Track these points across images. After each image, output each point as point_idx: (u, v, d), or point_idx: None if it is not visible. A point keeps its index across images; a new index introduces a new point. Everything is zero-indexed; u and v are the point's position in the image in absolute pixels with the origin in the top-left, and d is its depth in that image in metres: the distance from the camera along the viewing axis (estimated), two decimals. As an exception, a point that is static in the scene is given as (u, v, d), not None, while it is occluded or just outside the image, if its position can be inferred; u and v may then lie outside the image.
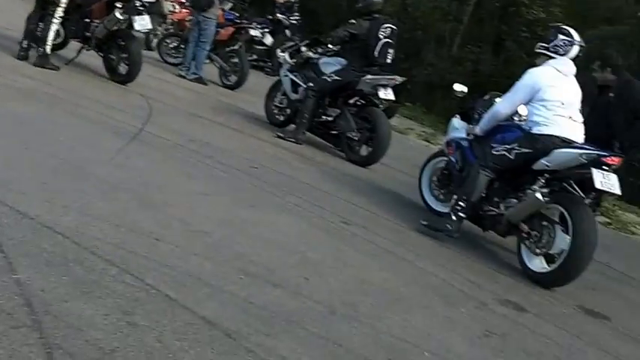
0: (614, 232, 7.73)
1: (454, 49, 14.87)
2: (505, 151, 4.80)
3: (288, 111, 7.44)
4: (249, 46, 12.87)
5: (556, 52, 4.89)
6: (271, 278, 3.35)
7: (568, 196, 4.64)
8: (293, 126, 7.18)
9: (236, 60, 9.77)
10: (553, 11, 14.22)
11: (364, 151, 6.87)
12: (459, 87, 5.91)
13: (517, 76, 14.10)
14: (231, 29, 9.92)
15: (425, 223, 4.98)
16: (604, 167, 4.45)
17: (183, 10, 11.51)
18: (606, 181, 4.43)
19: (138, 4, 7.26)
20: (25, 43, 7.09)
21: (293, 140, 6.93)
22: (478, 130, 5.14)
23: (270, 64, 13.65)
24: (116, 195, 3.92)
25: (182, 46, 10.20)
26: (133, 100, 6.89)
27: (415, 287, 3.86)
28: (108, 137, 5.15)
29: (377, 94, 6.68)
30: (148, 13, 11.66)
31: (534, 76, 4.87)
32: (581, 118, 4.88)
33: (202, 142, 5.88)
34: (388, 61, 6.80)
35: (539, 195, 4.52)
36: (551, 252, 4.50)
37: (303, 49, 7.29)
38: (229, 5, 11.43)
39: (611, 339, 4.04)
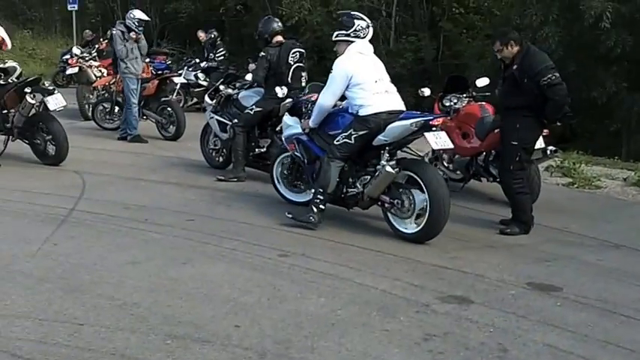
0: (577, 190, 7.80)
1: (391, 44, 15.02)
2: (345, 138, 5.31)
3: (225, 151, 7.53)
4: (187, 91, 13.02)
5: (357, 37, 5.46)
6: (200, 335, 3.42)
7: (411, 160, 5.49)
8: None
9: (170, 110, 9.86)
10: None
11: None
12: (425, 91, 7.26)
13: (462, 54, 14.20)
14: (155, 81, 10.01)
15: (290, 215, 5.46)
16: (433, 129, 5.25)
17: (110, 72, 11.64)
18: (439, 139, 5.33)
19: (47, 83, 7.35)
20: None
21: (234, 180, 7.01)
22: (311, 123, 5.66)
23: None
24: (40, 288, 3.98)
25: (116, 109, 10.29)
26: (66, 179, 6.96)
27: (353, 307, 3.92)
28: (35, 227, 5.22)
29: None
30: (78, 83, 11.85)
31: (344, 65, 5.40)
32: (394, 88, 5.49)
33: (137, 206, 5.94)
34: (303, 84, 6.96)
35: (389, 169, 5.13)
36: (416, 212, 5.16)
37: (221, 87, 7.40)
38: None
39: (560, 311, 4.00)
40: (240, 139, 6.99)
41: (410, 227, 5.23)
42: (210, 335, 3.42)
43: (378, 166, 5.24)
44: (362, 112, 5.28)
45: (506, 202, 6.43)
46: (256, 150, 7.08)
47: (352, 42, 5.44)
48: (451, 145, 5.49)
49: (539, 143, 5.99)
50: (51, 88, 7.44)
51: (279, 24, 7.13)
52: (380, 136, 5.21)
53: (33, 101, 7.19)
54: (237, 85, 7.34)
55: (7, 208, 5.74)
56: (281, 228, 5.47)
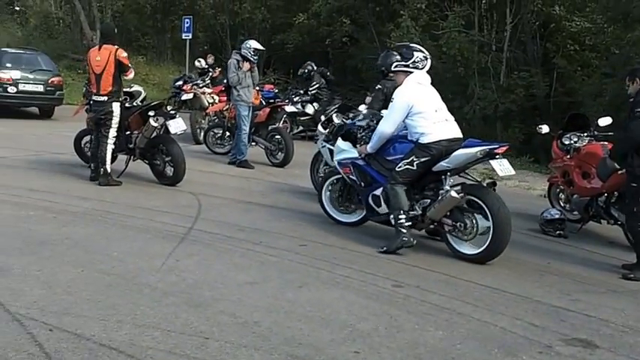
0: None
1: (502, 79, 14.85)
2: (407, 165, 5.59)
3: (334, 179, 7.65)
4: (294, 119, 13.37)
5: (416, 68, 5.81)
6: (320, 358, 3.49)
7: (473, 185, 5.69)
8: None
9: (279, 137, 10.17)
10: (594, 18, 14.07)
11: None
12: (543, 127, 7.43)
13: (576, 91, 13.80)
14: (267, 109, 10.36)
15: (383, 249, 5.66)
16: (497, 157, 5.47)
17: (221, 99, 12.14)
18: (503, 167, 5.53)
19: (169, 108, 7.78)
20: (92, 166, 7.83)
21: (343, 207, 7.11)
22: (369, 149, 5.99)
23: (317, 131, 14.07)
24: (167, 300, 4.19)
25: (227, 134, 10.71)
26: (183, 199, 7.30)
27: (473, 342, 3.88)
28: (158, 243, 5.49)
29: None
30: (191, 109, 12.43)
31: (404, 95, 5.71)
32: (452, 117, 5.78)
33: (252, 229, 6.15)
34: None
35: (454, 194, 5.37)
36: (479, 235, 5.46)
37: (335, 117, 7.55)
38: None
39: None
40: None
41: (471, 249, 5.52)
42: (330, 359, 3.49)
43: (441, 191, 5.50)
44: (423, 140, 5.56)
45: (627, 246, 6.21)
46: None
47: (411, 72, 5.78)
48: (513, 172, 5.68)
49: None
50: (172, 112, 7.87)
51: (398, 57, 7.20)
52: (442, 163, 5.51)
53: (155, 124, 7.62)
54: (351, 115, 7.47)
55: (130, 224, 6.08)
56: (393, 258, 5.52)
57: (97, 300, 4.11)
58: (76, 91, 17.08)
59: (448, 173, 5.56)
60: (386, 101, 6.92)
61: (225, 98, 11.33)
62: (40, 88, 15.02)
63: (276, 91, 14.52)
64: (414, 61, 5.80)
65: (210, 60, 15.25)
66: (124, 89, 7.99)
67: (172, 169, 7.84)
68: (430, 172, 5.61)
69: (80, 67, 22.98)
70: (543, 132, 7.54)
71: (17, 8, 33.10)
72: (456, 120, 6.81)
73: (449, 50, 14.34)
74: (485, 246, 5.41)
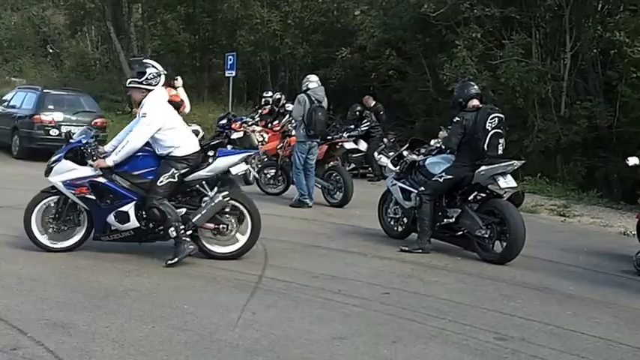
0: None
1: (562, 109, 14.44)
2: (169, 178, 5.97)
3: (405, 220, 7.37)
4: (345, 156, 13.12)
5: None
6: None
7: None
8: (416, 235, 7.06)
9: (337, 176, 9.92)
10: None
11: (498, 247, 6.61)
12: (631, 159, 7.26)
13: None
14: (324, 147, 10.13)
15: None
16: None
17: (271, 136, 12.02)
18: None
19: (230, 147, 7.57)
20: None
21: (419, 251, 6.82)
22: (112, 162, 6.03)
23: (369, 169, 13.83)
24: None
25: (280, 174, 10.50)
26: (246, 244, 7.04)
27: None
28: (229, 294, 5.23)
29: (497, 184, 6.51)
30: (241, 148, 12.26)
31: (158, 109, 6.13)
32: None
33: (326, 276, 5.87)
34: (499, 152, 6.66)
35: (221, 197, 6.09)
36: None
37: (405, 153, 7.30)
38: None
39: None
40: (426, 208, 6.79)
41: (223, 248, 6.28)
42: None
43: (206, 198, 6.11)
44: (177, 153, 6.08)
45: None
46: (444, 220, 6.83)
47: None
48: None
49: None
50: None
51: (476, 88, 6.95)
52: (201, 172, 6.13)
53: (216, 164, 7.41)
54: (423, 150, 7.20)
55: (196, 272, 5.83)
56: (486, 307, 5.17)
57: (176, 360, 3.84)
58: (115, 133, 17.09)
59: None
60: (465, 134, 6.63)
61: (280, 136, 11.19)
62: (84, 130, 15.01)
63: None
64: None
65: (277, 95, 15.20)
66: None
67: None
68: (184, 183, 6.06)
69: (119, 108, 23.26)
70: (630, 164, 7.17)
71: (51, 50, 33.89)
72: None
73: (507, 80, 14.01)
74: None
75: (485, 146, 6.56)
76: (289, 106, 13.65)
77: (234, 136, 12.80)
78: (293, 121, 10.01)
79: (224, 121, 14.34)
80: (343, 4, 22.29)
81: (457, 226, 6.77)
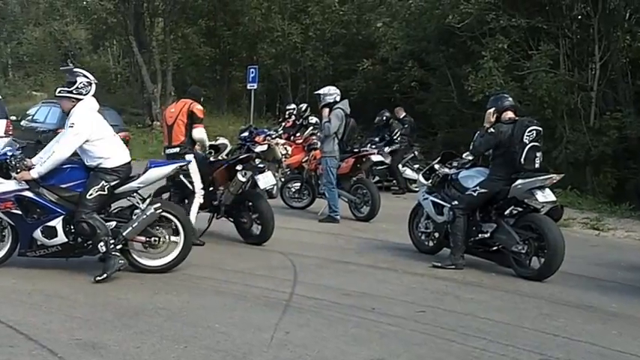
0: None
1: (592, 120, 14.22)
2: (99, 190, 5.81)
3: (437, 235, 7.23)
4: (370, 169, 12.98)
5: None
6: None
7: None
8: (448, 250, 6.91)
9: (364, 190, 9.79)
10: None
11: (535, 263, 6.44)
12: None
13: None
14: (351, 160, 10.02)
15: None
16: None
17: (295, 149, 11.93)
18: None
19: (258, 161, 7.50)
20: None
21: (452, 267, 6.67)
22: (37, 174, 5.82)
23: (394, 181, 13.67)
24: (289, 383, 3.78)
25: (305, 187, 10.40)
26: (274, 260, 6.95)
27: None
28: (260, 312, 5.12)
29: (535, 199, 6.34)
30: (265, 161, 12.19)
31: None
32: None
33: (358, 293, 5.74)
34: (537, 166, 6.48)
35: (153, 210, 5.87)
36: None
37: (437, 166, 7.16)
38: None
39: None
40: (459, 223, 6.65)
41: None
42: None
43: (137, 210, 5.92)
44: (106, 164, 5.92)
45: None
46: (478, 235, 6.68)
47: None
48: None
49: None
50: (262, 166, 7.59)
51: (510, 100, 6.79)
52: (132, 183, 5.95)
53: (244, 179, 7.35)
54: (455, 164, 7.06)
55: (225, 290, 5.74)
56: (527, 326, 5.02)
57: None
58: (136, 146, 17.13)
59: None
60: (500, 146, 6.48)
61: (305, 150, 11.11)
62: (107, 144, 15.00)
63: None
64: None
65: (303, 106, 15.12)
66: (210, 142, 7.78)
67: (260, 227, 7.50)
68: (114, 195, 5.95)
69: (140, 122, 23.36)
70: None
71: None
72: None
73: (535, 91, 13.83)
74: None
75: (522, 159, 6.39)
76: (312, 119, 13.58)
77: (258, 149, 12.65)
78: (318, 133, 9.88)
79: (245, 134, 14.23)
80: (365, 16, 22.28)
81: (492, 242, 6.61)
